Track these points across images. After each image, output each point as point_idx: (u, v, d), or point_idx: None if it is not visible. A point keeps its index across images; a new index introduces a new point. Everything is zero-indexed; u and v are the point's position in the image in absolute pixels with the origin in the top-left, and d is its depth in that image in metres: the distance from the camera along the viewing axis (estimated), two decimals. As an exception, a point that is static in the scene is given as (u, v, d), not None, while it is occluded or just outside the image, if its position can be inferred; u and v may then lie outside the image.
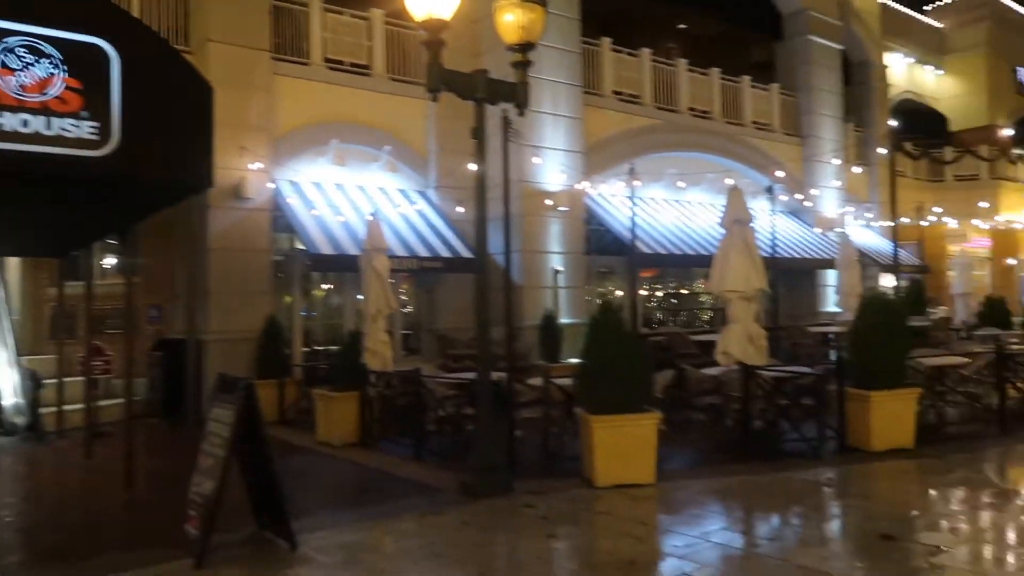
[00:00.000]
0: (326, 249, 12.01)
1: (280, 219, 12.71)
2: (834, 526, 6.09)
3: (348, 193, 13.59)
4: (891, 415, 8.02)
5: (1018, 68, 33.20)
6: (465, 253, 13.35)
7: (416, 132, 14.54)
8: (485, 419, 6.80)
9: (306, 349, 13.34)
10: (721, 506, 6.46)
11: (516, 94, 7.23)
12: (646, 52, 17.44)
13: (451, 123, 13.65)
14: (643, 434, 6.73)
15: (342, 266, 12.51)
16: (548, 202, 14.55)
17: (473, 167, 7.19)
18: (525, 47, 6.97)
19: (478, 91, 6.96)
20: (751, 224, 9.11)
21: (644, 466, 6.75)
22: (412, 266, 13.01)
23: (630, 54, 17.25)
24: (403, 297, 14.91)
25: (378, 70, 14.10)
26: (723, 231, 9.24)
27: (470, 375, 7.95)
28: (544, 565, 5.09)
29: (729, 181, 13.65)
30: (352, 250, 11.81)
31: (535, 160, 14.37)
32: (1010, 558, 5.17)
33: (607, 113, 16.45)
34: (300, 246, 12.65)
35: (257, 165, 12.18)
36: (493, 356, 7.70)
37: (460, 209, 13.85)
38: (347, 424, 9.23)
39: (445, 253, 13.33)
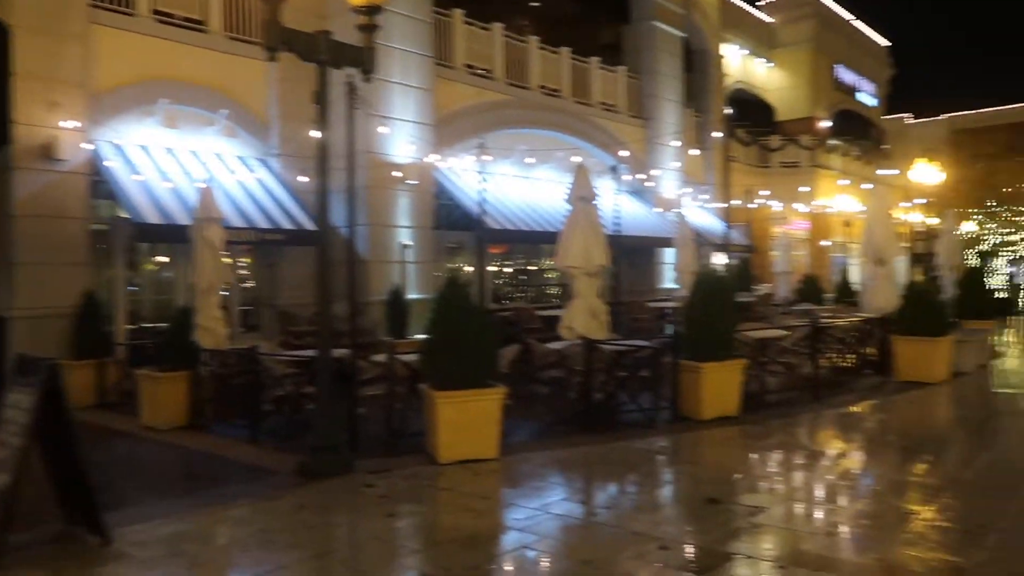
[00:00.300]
0: (153, 218, 11.13)
1: (100, 185, 11.64)
2: (666, 492, 6.38)
3: (180, 158, 12.66)
4: (720, 385, 8.53)
5: (836, 66, 36.09)
6: (309, 225, 12.82)
7: (257, 95, 13.75)
8: (325, 397, 6.55)
9: (132, 327, 12.36)
10: (562, 477, 6.60)
11: (362, 59, 6.92)
12: (498, 27, 17.41)
13: (295, 87, 13.02)
14: (487, 409, 6.74)
15: (171, 237, 11.65)
16: (397, 174, 14.26)
17: (316, 134, 6.84)
18: (372, 9, 6.68)
19: (320, 53, 6.60)
20: (595, 202, 9.31)
21: (488, 441, 6.76)
22: (251, 238, 12.35)
23: (482, 27, 17.17)
24: (243, 271, 14.14)
25: (214, 27, 13.17)
26: (569, 208, 9.40)
27: (310, 352, 7.64)
28: (382, 545, 4.97)
29: (576, 159, 13.93)
30: (183, 220, 11.01)
31: (383, 130, 14.01)
32: (819, 513, 5.61)
33: (458, 86, 16.31)
34: (124, 214, 11.65)
35: (71, 123, 11.06)
36: (335, 332, 7.43)
37: (303, 179, 13.26)
38: (175, 406, 8.63)
39: (287, 225, 12.75)
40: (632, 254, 19.42)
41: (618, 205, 16.58)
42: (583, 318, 8.67)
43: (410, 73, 14.65)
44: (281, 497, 5.86)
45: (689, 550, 4.79)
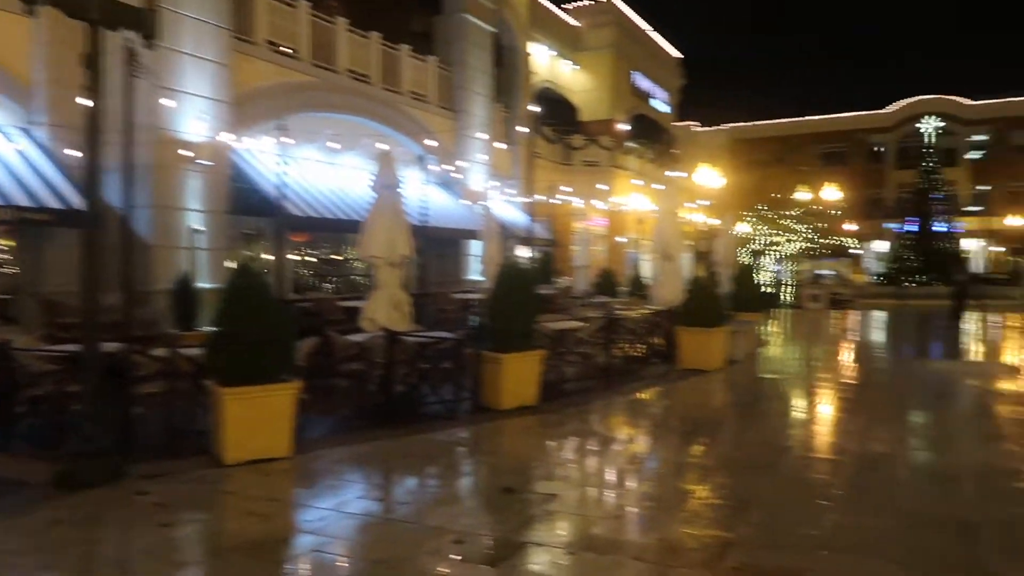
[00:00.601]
0: None
1: None
2: (464, 484, 6.36)
3: (-85, 121, 10.85)
4: (520, 376, 8.69)
5: (634, 72, 38.31)
6: (79, 205, 11.49)
7: (18, 56, 12.13)
8: (91, 397, 5.86)
9: None
10: (359, 474, 6.39)
11: (142, 22, 6.26)
12: (304, 4, 16.63)
13: (66, 50, 11.58)
14: (279, 405, 6.36)
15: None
16: (187, 153, 13.17)
17: (85, 103, 6.06)
18: (150, -32, 6.03)
19: (91, 11, 5.87)
20: (400, 191, 9.13)
21: (280, 439, 6.39)
22: (10, 217, 10.86)
23: (287, 3, 16.31)
24: (2, 255, 12.44)
25: (-38, -28, 11.41)
26: (374, 196, 9.14)
27: (74, 346, 6.81)
28: (153, 560, 4.50)
29: (383, 147, 13.62)
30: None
31: (169, 104, 12.87)
32: (608, 497, 5.85)
33: (259, 63, 15.38)
34: None
35: None
36: (108, 324, 6.67)
37: (74, 153, 11.87)
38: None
39: (54, 204, 11.34)
40: (439, 245, 19.42)
41: (425, 195, 16.48)
42: (385, 309, 8.47)
43: (204, 45, 13.58)
44: (33, 513, 5.14)
45: (484, 542, 4.79)
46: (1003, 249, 58.23)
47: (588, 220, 30.91)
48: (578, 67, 34.37)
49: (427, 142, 19.25)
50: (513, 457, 7.05)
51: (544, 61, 30.84)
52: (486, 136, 22.05)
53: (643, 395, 10.13)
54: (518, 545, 4.71)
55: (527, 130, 23.56)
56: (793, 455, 6.96)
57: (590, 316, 11.81)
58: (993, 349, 16.17)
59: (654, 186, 31.14)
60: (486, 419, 8.21)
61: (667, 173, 31.67)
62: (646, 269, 29.97)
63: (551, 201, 24.55)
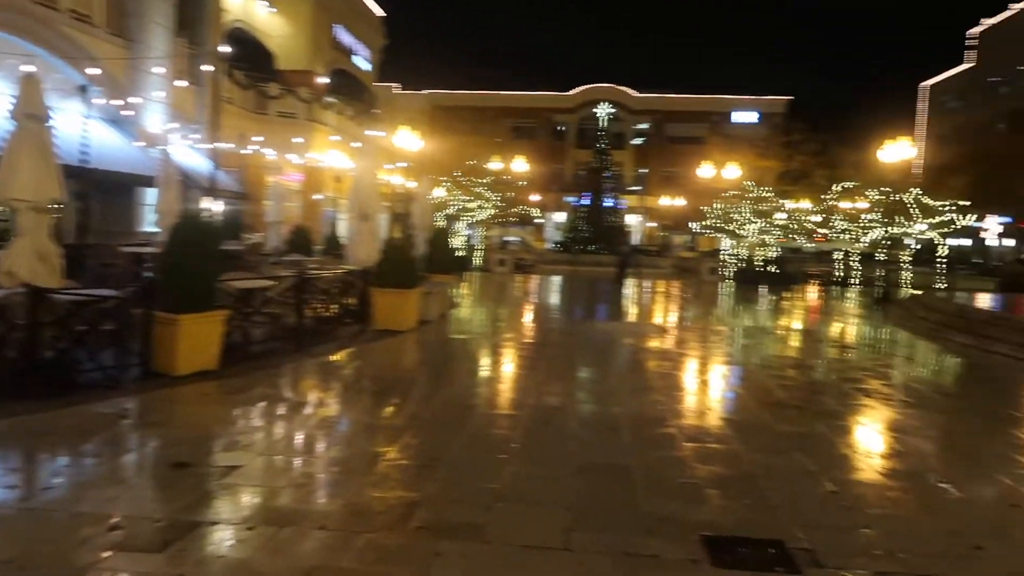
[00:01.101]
0: None
1: None
2: (127, 461, 5.65)
3: None
4: (199, 338, 7.97)
5: (336, 25, 37.08)
6: None
7: None
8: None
9: None
10: (-12, 457, 5.36)
11: None
12: None
13: None
14: None
15: None
16: None
17: None
18: None
19: None
20: (50, 123, 7.76)
21: None
22: None
23: None
24: None
25: None
26: (14, 126, 7.65)
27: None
28: None
29: (29, 68, 11.51)
30: None
31: None
32: (295, 465, 5.58)
33: None
34: None
35: None
36: None
37: None
38: None
39: None
40: (106, 191, 17.11)
41: (87, 132, 14.33)
42: (28, 261, 7.18)
43: None
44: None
45: (149, 526, 4.27)
46: (655, 225, 67.34)
47: (283, 174, 29.47)
48: (275, 10, 32.37)
49: (91, 71, 16.74)
50: (188, 428, 6.43)
51: (237, -2, 28.53)
52: (165, 71, 19.80)
53: (335, 357, 9.91)
54: (189, 526, 4.29)
55: (212, 68, 21.62)
56: (478, 412, 7.27)
57: (281, 275, 11.23)
58: (646, 312, 18.56)
59: (353, 144, 30.60)
60: (157, 386, 7.40)
61: (367, 132, 31.32)
62: (343, 228, 29.44)
63: (242, 151, 22.92)
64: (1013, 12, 68.11)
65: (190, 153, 21.19)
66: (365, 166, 13.68)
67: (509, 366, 10.13)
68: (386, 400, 7.66)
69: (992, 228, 57.85)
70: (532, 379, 8.99)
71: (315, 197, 33.52)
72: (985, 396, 9.34)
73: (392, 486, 5.13)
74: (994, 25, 71.54)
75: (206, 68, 22.11)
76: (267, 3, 31.65)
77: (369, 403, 7.58)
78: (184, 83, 21.58)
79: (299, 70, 32.27)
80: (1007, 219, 56.78)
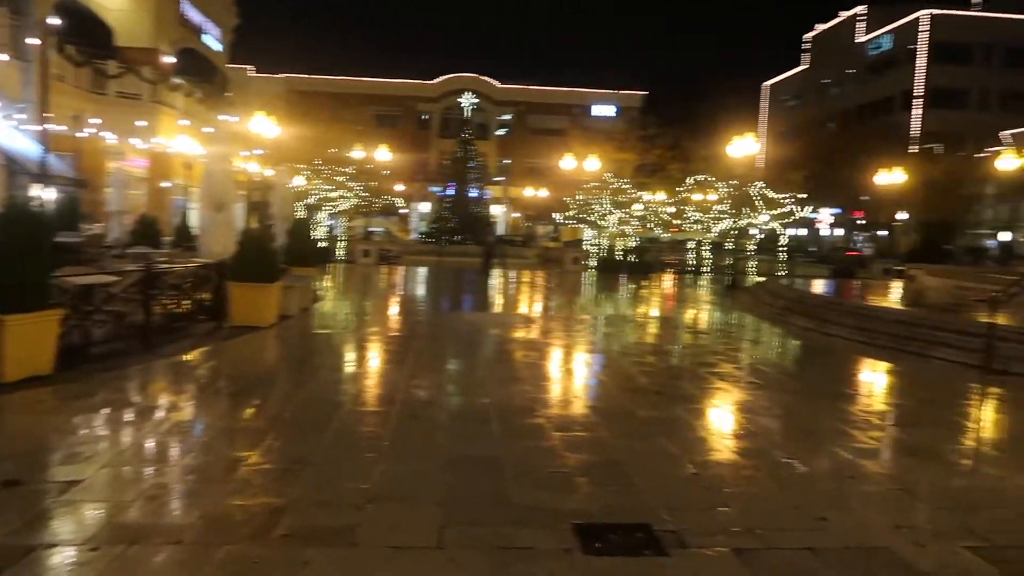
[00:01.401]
0: None
1: None
2: (-54, 481, 5.06)
3: None
4: (29, 340, 7.28)
5: (183, 1, 34.88)
6: None
7: None
8: None
9: None
10: None
11: None
12: None
13: None
14: None
15: None
16: None
17: None
18: None
19: None
20: None
21: None
22: None
23: None
24: None
25: None
26: None
27: None
28: None
29: None
30: None
31: None
32: (145, 476, 5.19)
33: None
34: None
35: None
36: None
37: None
38: None
39: None
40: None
41: None
42: None
43: None
44: None
45: (-29, 553, 3.84)
46: (520, 215, 68.28)
47: (126, 160, 27.50)
48: (112, -19, 30.02)
49: None
50: (18, 440, 5.85)
51: (68, -34, 26.19)
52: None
53: (188, 356, 9.36)
54: (22, 551, 3.89)
55: (39, 41, 19.79)
56: (344, 410, 7.07)
57: (126, 269, 10.46)
58: (512, 302, 18.78)
59: (204, 129, 29.02)
60: (-20, 396, 6.69)
61: (219, 116, 29.76)
62: (195, 218, 27.86)
63: (77, 134, 21.14)
64: (840, 19, 74.19)
65: (15, 135, 19.32)
66: (218, 152, 12.98)
67: (375, 360, 9.94)
68: (245, 400, 7.30)
69: (825, 219, 62.96)
70: (399, 373, 8.86)
71: (163, 185, 31.57)
72: (823, 376, 10.12)
73: (254, 492, 4.89)
74: (824, 30, 77.61)
75: (32, 41, 20.19)
76: (104, -27, 29.33)
77: (227, 404, 7.20)
78: (5, 57, 19.62)
79: (142, 48, 30.14)
80: (837, 210, 62.00)
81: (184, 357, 9.30)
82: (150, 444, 5.92)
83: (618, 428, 6.73)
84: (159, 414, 6.76)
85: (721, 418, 7.47)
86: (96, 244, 16.36)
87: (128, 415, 6.67)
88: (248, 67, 59.93)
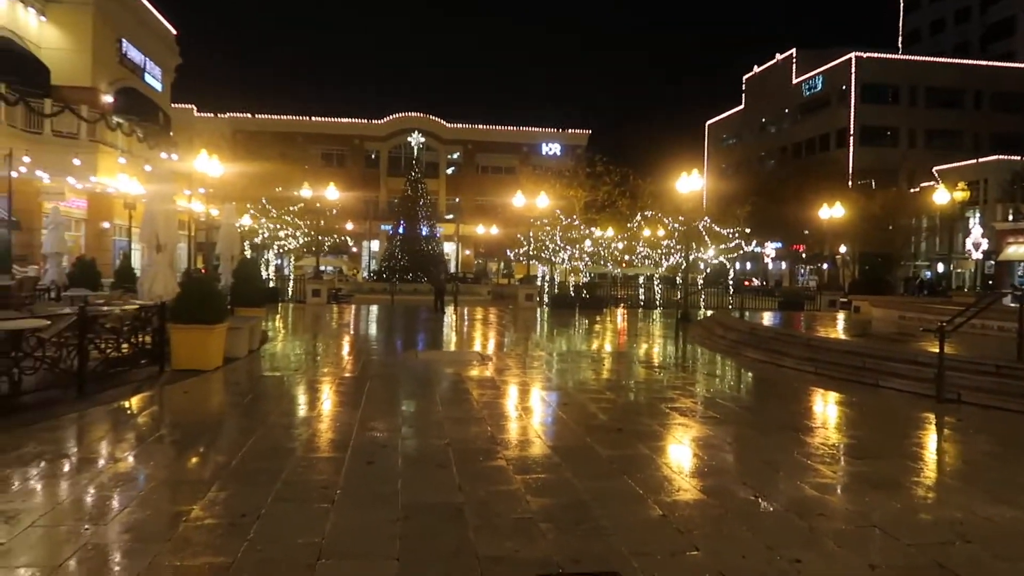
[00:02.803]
0: None
1: None
2: None
3: None
4: (-49, 391, 6.76)
5: (123, 40, 34.36)
6: None
7: None
8: None
9: None
10: None
11: None
12: None
13: None
14: None
15: None
16: None
17: None
18: None
19: None
20: None
21: None
22: None
23: None
24: None
25: None
26: None
27: None
28: None
29: None
30: None
31: None
32: (80, 533, 4.76)
33: None
34: None
35: None
36: None
37: None
38: None
39: None
40: None
41: None
42: None
43: None
44: None
45: None
46: (471, 252, 68.32)
47: (64, 200, 26.62)
48: (45, 19, 29.40)
49: None
50: (-66, 501, 5.35)
51: (1, 5, 25.58)
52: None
53: (127, 403, 8.89)
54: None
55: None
56: (295, 457, 6.72)
57: (59, 312, 9.94)
58: (466, 340, 18.51)
59: (146, 168, 28.32)
60: None
61: (161, 155, 29.09)
62: (137, 260, 27.00)
63: (11, 174, 20.36)
64: (775, 61, 76.97)
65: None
66: (159, 191, 12.56)
67: (328, 403, 9.56)
68: (188, 449, 6.89)
69: (769, 252, 64.49)
70: (352, 416, 8.52)
71: (103, 226, 30.67)
72: (780, 409, 10.09)
73: (196, 551, 4.52)
74: (761, 71, 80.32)
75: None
76: (37, 11, 28.68)
77: (168, 454, 6.77)
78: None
79: (80, 86, 29.45)
80: (778, 244, 63.56)
81: (122, 404, 8.82)
82: (83, 500, 5.49)
83: (581, 468, 6.53)
84: (94, 466, 6.31)
85: (684, 455, 7.32)
86: (29, 287, 15.64)
87: (59, 468, 6.20)
88: (190, 107, 59.22)
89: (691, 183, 24.25)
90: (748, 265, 70.55)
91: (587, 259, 36.40)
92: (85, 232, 30.38)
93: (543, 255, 37.82)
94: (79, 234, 30.02)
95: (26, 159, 21.74)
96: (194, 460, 6.60)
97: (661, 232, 35.42)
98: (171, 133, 38.68)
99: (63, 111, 21.30)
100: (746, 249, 31.96)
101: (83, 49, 30.47)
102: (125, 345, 10.75)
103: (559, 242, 35.10)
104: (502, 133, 68.90)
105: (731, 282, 33.42)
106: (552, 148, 68.42)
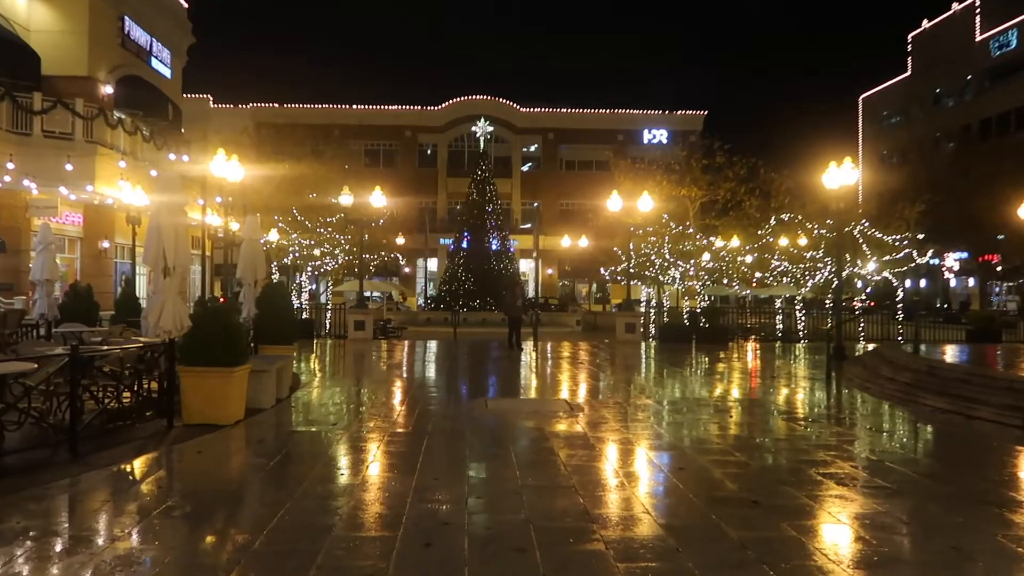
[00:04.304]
0: None
1: None
2: None
3: None
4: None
5: (125, 18, 35.99)
6: None
7: None
8: None
9: None
10: None
11: None
12: None
13: None
14: None
15: None
16: None
17: None
18: None
19: None
20: None
21: None
22: None
23: None
24: None
25: None
26: None
27: None
28: None
29: None
30: None
31: None
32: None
33: None
34: None
35: None
36: None
37: None
38: None
39: None
40: None
41: None
42: None
43: None
44: None
45: None
46: (554, 271, 68.41)
47: (55, 216, 27.93)
48: (39, -4, 31.13)
49: None
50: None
51: (-14, -20, 27.25)
52: None
53: (128, 466, 9.18)
54: None
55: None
56: (334, 536, 6.76)
57: (49, 353, 10.37)
58: (551, 384, 18.44)
59: (152, 173, 29.52)
60: None
61: (170, 156, 30.28)
62: (141, 287, 28.10)
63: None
64: (951, 13, 74.31)
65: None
66: (168, 202, 12.99)
67: (376, 467, 9.63)
68: (202, 526, 7.02)
69: (951, 264, 62.21)
70: (406, 483, 8.55)
71: (102, 245, 31.99)
72: (974, 474, 9.62)
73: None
74: (932, 27, 77.58)
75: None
76: (28, -13, 30.45)
77: (178, 531, 6.92)
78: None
79: (75, 76, 30.98)
80: (962, 254, 61.22)
81: (123, 467, 9.10)
82: (75, 590, 5.64)
83: (705, 555, 6.34)
84: (89, 547, 6.49)
85: (843, 537, 7.04)
86: (14, 323, 16.41)
87: (49, 548, 6.40)
88: (205, 97, 61.61)
89: (842, 175, 23.68)
90: (923, 282, 68.35)
91: (705, 277, 35.91)
92: (80, 253, 31.84)
93: (648, 273, 37.56)
94: (74, 256, 31.48)
95: (10, 165, 22.93)
96: (209, 539, 6.71)
97: (803, 241, 34.69)
98: (182, 130, 40.32)
99: (55, 106, 22.46)
100: (918, 261, 30.96)
101: (79, 30, 32.08)
102: (127, 394, 11.12)
103: (668, 256, 34.76)
104: (592, 118, 69.08)
105: (900, 305, 32.34)
106: (657, 135, 68.17)
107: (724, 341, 30.48)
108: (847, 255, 29.69)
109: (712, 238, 38.05)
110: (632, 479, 9.21)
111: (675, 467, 9.67)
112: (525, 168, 70.46)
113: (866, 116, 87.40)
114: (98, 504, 7.82)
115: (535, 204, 68.11)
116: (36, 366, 9.48)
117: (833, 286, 30.16)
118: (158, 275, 12.34)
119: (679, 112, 69.12)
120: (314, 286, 44.18)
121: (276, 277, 36.85)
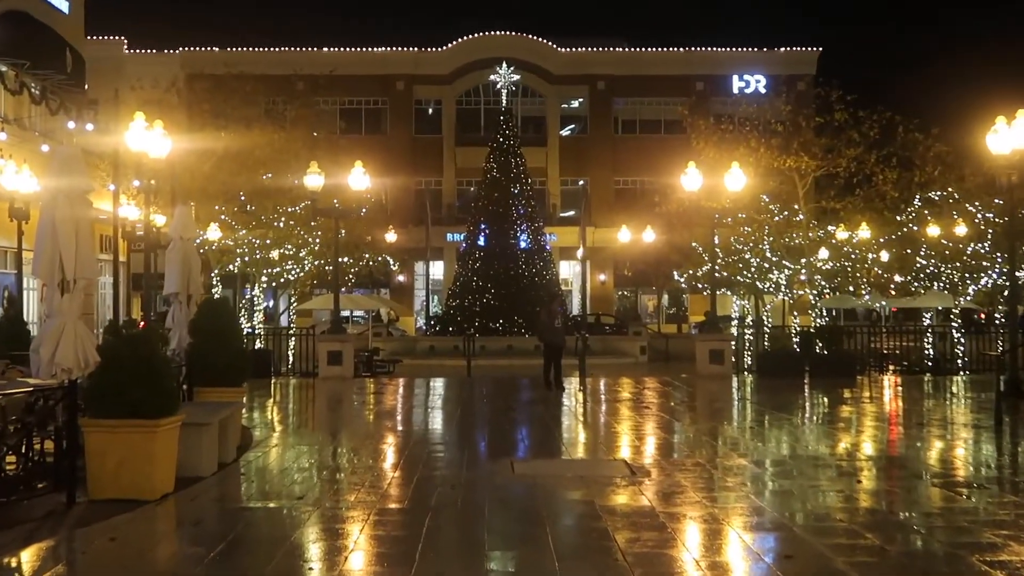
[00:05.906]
0: None
1: None
2: None
3: None
4: None
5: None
6: None
7: None
8: None
9: None
10: None
11: None
12: None
13: None
14: None
15: None
16: None
17: None
18: None
19: None
20: None
21: None
22: None
23: None
24: None
25: None
26: None
27: None
28: None
29: None
30: None
31: None
32: None
33: None
34: None
35: None
36: None
37: None
38: None
39: None
40: None
41: None
42: None
43: None
44: None
45: None
46: (606, 277, 67.93)
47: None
48: None
49: None
50: None
51: None
52: None
53: (13, 561, 9.28)
54: None
55: None
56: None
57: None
58: (605, 439, 18.42)
59: (44, 149, 29.84)
60: None
61: (69, 124, 30.58)
62: (33, 307, 28.38)
63: None
64: None
65: None
66: (67, 188, 13.10)
67: (358, 558, 9.70)
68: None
69: None
70: (401, 581, 8.60)
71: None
72: None
73: None
74: None
75: None
76: None
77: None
78: None
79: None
80: None
81: (7, 562, 9.18)
82: None
83: None
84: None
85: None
86: None
87: None
88: (119, 39, 61.88)
89: (1014, 136, 23.53)
90: None
91: (823, 283, 35.77)
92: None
93: (741, 278, 37.51)
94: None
95: None
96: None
97: (961, 229, 34.44)
98: (85, 86, 40.58)
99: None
100: None
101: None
102: (10, 457, 11.22)
103: (770, 254, 34.65)
104: (659, 58, 68.68)
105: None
106: (751, 82, 67.81)
107: (851, 374, 30.27)
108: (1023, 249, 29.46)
109: (831, 227, 37.86)
110: (721, 574, 9.20)
111: (781, 555, 9.66)
112: (565, 132, 70.30)
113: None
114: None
115: (580, 183, 67.71)
116: None
117: (1006, 294, 29.93)
118: (53, 291, 12.43)
119: (782, 49, 68.74)
120: (271, 303, 44.37)
121: (218, 291, 37.02)
